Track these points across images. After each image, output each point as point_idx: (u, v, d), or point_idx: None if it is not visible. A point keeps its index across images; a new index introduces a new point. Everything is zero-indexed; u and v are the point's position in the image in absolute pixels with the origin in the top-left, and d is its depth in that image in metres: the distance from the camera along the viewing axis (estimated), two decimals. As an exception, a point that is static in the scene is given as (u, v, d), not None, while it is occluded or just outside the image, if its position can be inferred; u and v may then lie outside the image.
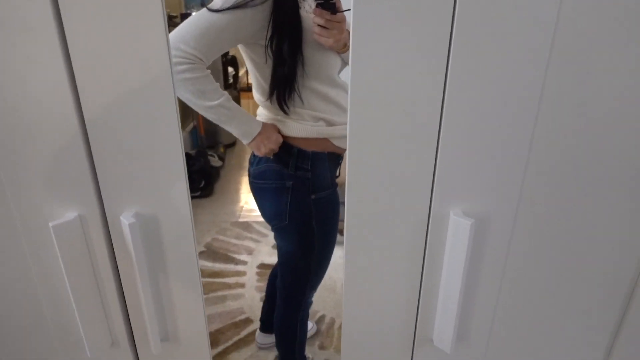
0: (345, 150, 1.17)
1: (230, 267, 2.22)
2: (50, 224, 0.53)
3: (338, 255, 2.37)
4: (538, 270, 0.61)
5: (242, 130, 1.04)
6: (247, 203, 2.86)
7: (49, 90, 0.49)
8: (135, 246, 0.55)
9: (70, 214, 0.55)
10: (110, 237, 0.58)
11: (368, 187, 0.56)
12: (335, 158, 1.15)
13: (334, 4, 0.92)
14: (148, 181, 0.54)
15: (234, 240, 2.45)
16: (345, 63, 1.09)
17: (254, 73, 1.08)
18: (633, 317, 0.62)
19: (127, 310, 0.63)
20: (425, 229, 0.58)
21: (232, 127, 1.03)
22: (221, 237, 2.46)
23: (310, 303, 1.38)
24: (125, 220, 0.54)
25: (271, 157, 1.10)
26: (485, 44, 0.48)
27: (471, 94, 0.50)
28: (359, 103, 0.51)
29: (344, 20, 0.95)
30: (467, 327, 0.64)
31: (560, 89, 0.50)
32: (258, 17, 0.94)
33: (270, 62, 0.99)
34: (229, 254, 2.33)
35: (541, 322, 0.64)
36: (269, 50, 0.97)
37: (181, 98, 0.96)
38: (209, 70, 0.97)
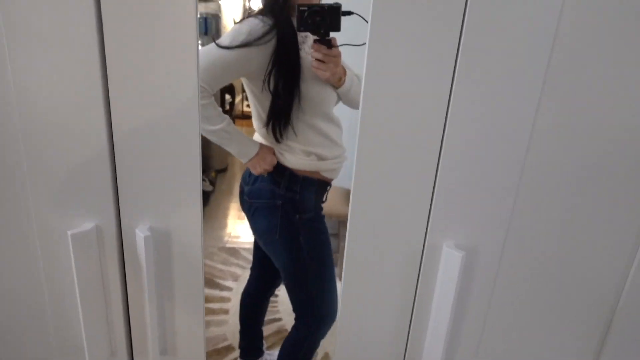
0: (332, 179, 1.24)
1: (215, 292, 2.21)
2: (69, 232, 0.56)
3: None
4: (523, 301, 0.65)
5: (240, 151, 1.14)
6: (235, 229, 2.86)
7: (82, 104, 0.54)
8: (147, 259, 0.58)
9: (88, 224, 0.58)
10: (123, 248, 0.61)
11: (369, 218, 0.60)
12: (323, 185, 1.24)
13: (330, 40, 1.02)
14: (165, 198, 0.58)
15: (220, 266, 2.44)
16: (339, 98, 1.17)
17: (253, 102, 1.17)
18: (612, 349, 0.67)
19: (129, 321, 0.65)
20: (420, 259, 0.62)
21: (231, 148, 1.13)
22: (208, 262, 2.45)
23: (323, 334, 1.39)
24: (140, 233, 0.57)
25: (265, 176, 1.18)
26: (481, 91, 0.54)
27: (468, 135, 0.56)
28: (366, 140, 0.56)
29: (339, 55, 1.05)
30: (454, 353, 0.67)
31: (549, 126, 0.56)
32: (262, 55, 1.04)
33: (268, 94, 1.08)
34: (215, 279, 2.32)
35: (526, 351, 0.68)
36: (267, 85, 1.06)
37: None
38: (212, 98, 1.06)
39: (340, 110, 1.25)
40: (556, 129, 0.56)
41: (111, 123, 0.55)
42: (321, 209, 1.27)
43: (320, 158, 1.17)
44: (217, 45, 1.02)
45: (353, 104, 1.18)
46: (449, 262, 0.60)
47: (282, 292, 1.62)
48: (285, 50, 1.04)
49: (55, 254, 0.60)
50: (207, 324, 1.99)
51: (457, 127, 0.56)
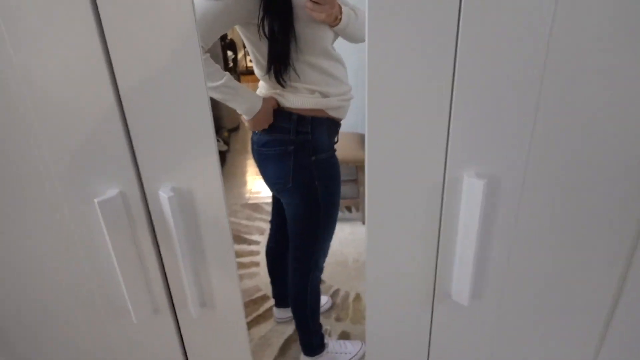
0: (341, 118, 1.23)
1: (244, 247, 2.28)
2: (96, 200, 0.58)
3: (347, 231, 2.42)
4: (547, 228, 0.65)
5: (246, 106, 1.12)
6: (255, 185, 2.91)
7: (86, 73, 0.53)
8: (174, 218, 0.60)
9: (112, 191, 0.60)
10: (149, 210, 0.62)
11: (386, 156, 0.60)
12: (333, 124, 1.22)
13: None
14: (182, 157, 0.59)
15: (244, 222, 2.51)
16: (337, 35, 1.13)
17: (251, 50, 1.15)
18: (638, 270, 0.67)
19: (167, 279, 0.68)
20: (441, 191, 0.62)
21: (236, 104, 1.11)
22: (232, 219, 2.52)
23: (321, 270, 1.44)
24: (163, 194, 0.59)
25: (273, 125, 1.17)
26: (492, 13, 0.51)
27: (481, 60, 0.54)
28: (376, 72, 0.55)
29: None
30: (483, 282, 0.69)
31: (564, 52, 0.54)
32: (253, 2, 1.00)
33: (264, 39, 1.05)
34: (242, 234, 2.39)
35: (551, 277, 0.69)
36: (262, 29, 1.03)
37: None
38: (207, 54, 1.03)
39: (344, 49, 1.21)
40: (572, 45, 0.53)
41: (118, 89, 0.54)
42: (334, 150, 1.26)
43: (325, 95, 1.15)
44: None
45: (352, 38, 1.14)
46: (471, 191, 0.60)
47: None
48: None
49: (86, 223, 0.62)
50: (240, 277, 2.07)
51: (469, 51, 0.53)
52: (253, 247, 2.28)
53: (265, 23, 1.02)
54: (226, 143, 3.34)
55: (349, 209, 2.60)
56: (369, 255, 0.67)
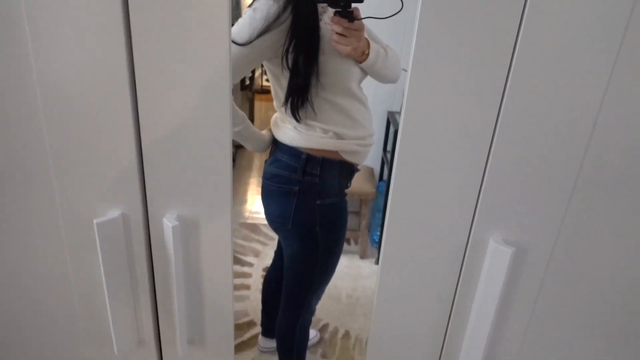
0: (357, 164, 1.17)
1: (237, 268, 2.22)
2: (95, 221, 0.53)
3: (344, 264, 2.36)
4: (571, 302, 0.61)
5: (256, 148, 1.17)
6: (255, 205, 2.86)
7: (109, 91, 0.50)
8: (175, 248, 0.56)
9: (114, 212, 0.55)
10: (150, 237, 0.58)
11: (410, 206, 0.56)
12: (347, 167, 1.16)
13: (352, 12, 0.94)
14: (193, 185, 0.55)
15: (240, 242, 2.45)
16: (365, 73, 1.09)
17: (272, 81, 1.11)
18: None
19: (157, 311, 0.63)
20: (463, 252, 0.58)
21: (247, 146, 1.15)
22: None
23: (313, 312, 1.38)
24: (168, 223, 0.55)
25: (282, 160, 1.13)
26: (539, 83, 0.48)
27: (522, 123, 0.51)
28: (410, 124, 0.51)
29: (361, 28, 0.97)
30: (494, 356, 0.64)
31: (612, 124, 0.50)
32: (279, 35, 0.97)
33: (286, 71, 1.01)
34: (236, 255, 2.33)
35: (569, 353, 0.64)
36: (285, 60, 0.99)
37: None
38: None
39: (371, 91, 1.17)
40: (620, 127, 0.50)
41: (137, 108, 0.51)
42: (345, 194, 1.20)
43: (340, 137, 1.09)
44: (235, 42, 0.96)
45: (381, 77, 1.10)
46: (496, 258, 0.56)
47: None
48: (302, 24, 0.96)
49: (81, 242, 0.58)
50: (229, 300, 2.00)
51: (511, 119, 0.50)
52: (246, 269, 2.22)
53: (290, 54, 0.98)
54: (232, 159, 3.31)
55: (347, 241, 2.55)
56: (377, 304, 0.63)
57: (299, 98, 1.02)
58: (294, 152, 1.09)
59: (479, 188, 0.54)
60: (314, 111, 1.05)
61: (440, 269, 0.59)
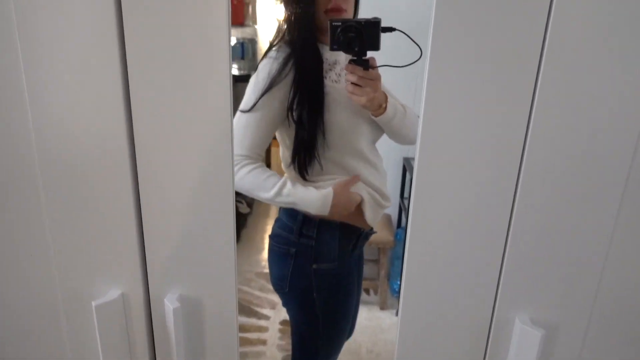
0: (364, 228, 1.08)
1: (253, 321, 2.15)
2: (93, 304, 0.51)
3: (363, 316, 2.28)
4: (611, 388, 0.54)
5: (315, 208, 0.99)
6: (272, 252, 2.82)
7: (109, 168, 0.49)
8: (176, 331, 0.52)
9: (114, 292, 0.53)
10: (151, 317, 0.55)
11: (426, 283, 0.52)
12: (351, 230, 1.08)
13: (367, 60, 0.90)
14: (196, 265, 0.52)
15: (257, 292, 2.39)
16: (379, 132, 1.05)
17: (279, 141, 1.07)
18: None
19: (158, 395, 0.59)
20: (487, 334, 0.53)
21: (304, 208, 1.00)
22: (244, 288, 2.41)
23: None
24: (169, 304, 0.52)
25: (280, 218, 1.07)
26: (559, 142, 0.45)
27: (544, 186, 0.47)
28: (424, 186, 0.49)
29: (378, 78, 0.93)
30: None
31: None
32: (285, 90, 0.95)
33: (292, 129, 0.98)
34: (252, 306, 2.27)
35: None
36: (291, 116, 0.96)
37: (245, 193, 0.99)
38: (258, 164, 0.97)
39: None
40: None
41: (138, 184, 0.50)
42: (350, 258, 1.11)
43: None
44: (242, 111, 0.95)
45: (398, 136, 1.05)
46: (523, 341, 0.51)
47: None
48: (305, 76, 0.94)
49: (80, 324, 0.55)
50: (244, 356, 1.93)
51: (533, 178, 0.47)
52: (262, 322, 2.15)
53: (295, 108, 0.95)
54: (249, 205, 3.31)
55: (366, 291, 2.46)
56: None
57: (304, 155, 0.98)
58: (291, 212, 1.04)
59: (501, 260, 0.50)
60: (320, 168, 1.00)
61: (462, 353, 0.54)
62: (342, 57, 0.98)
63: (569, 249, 0.49)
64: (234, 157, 0.93)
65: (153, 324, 0.55)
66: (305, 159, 0.98)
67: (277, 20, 1.25)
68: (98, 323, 0.52)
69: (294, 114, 0.96)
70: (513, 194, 0.48)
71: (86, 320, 0.54)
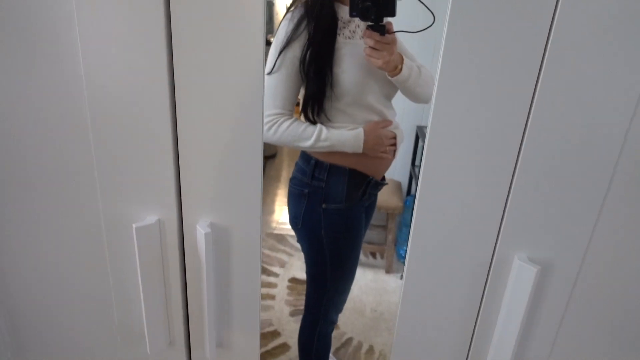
0: (372, 175, 1.18)
1: (262, 277, 2.25)
2: (134, 226, 0.57)
3: (369, 278, 2.36)
4: (598, 321, 0.60)
5: (349, 147, 1.11)
6: (282, 216, 2.90)
7: (149, 102, 0.54)
8: (207, 254, 0.58)
9: (152, 217, 0.59)
10: (184, 242, 0.61)
11: (435, 221, 0.57)
12: (359, 177, 1.18)
13: (384, 26, 0.96)
14: (226, 195, 0.58)
15: (267, 251, 2.48)
16: (394, 89, 1.12)
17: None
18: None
19: (187, 314, 0.66)
20: (487, 269, 0.58)
21: (341, 149, 1.10)
22: (255, 247, 2.50)
23: (333, 322, 1.39)
24: (201, 230, 0.57)
25: (298, 164, 1.18)
26: (567, 96, 0.49)
27: (549, 137, 0.51)
28: (436, 137, 0.53)
29: (393, 42, 0.99)
30: (518, 373, 0.63)
31: (642, 147, 0.50)
32: (300, 44, 1.02)
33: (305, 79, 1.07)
34: (262, 264, 2.36)
35: (596, 378, 0.63)
36: (303, 69, 1.04)
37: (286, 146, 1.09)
38: (293, 118, 1.07)
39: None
40: None
41: (176, 121, 0.55)
42: (359, 204, 1.21)
43: None
44: (267, 74, 1.04)
45: (413, 95, 1.11)
46: (520, 276, 0.56)
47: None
48: (318, 33, 1.02)
49: (121, 245, 0.61)
50: (254, 309, 2.03)
51: (539, 132, 0.51)
52: (271, 279, 2.25)
53: (306, 62, 1.03)
54: (273, 148, 3.37)
55: (373, 254, 2.54)
56: (400, 319, 0.63)
57: (313, 105, 1.08)
58: (306, 156, 1.16)
59: (504, 204, 0.55)
60: (328, 119, 1.09)
61: (464, 286, 0.60)
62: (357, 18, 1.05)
63: (568, 194, 0.53)
64: (271, 116, 1.04)
65: (185, 248, 0.61)
66: (313, 108, 1.08)
67: None
68: (138, 244, 0.58)
69: (305, 68, 1.04)
70: (519, 144, 0.52)
71: (126, 242, 0.61)
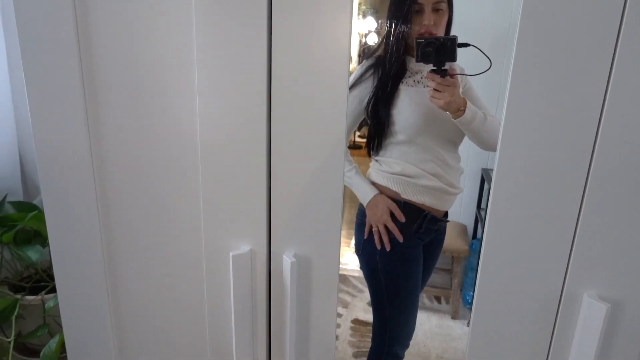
0: (429, 211, 1.25)
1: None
2: (231, 254, 0.66)
3: (434, 323, 2.31)
4: (678, 370, 0.59)
5: (359, 195, 1.29)
6: (345, 256, 2.93)
7: (248, 144, 0.64)
8: (291, 282, 0.66)
9: (245, 247, 0.68)
10: (271, 270, 0.69)
11: (503, 262, 0.60)
12: (416, 211, 1.27)
13: (445, 70, 1.07)
14: (311, 227, 0.66)
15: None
16: (462, 134, 1.21)
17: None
18: None
19: (270, 336, 0.73)
20: (556, 308, 0.60)
21: (353, 190, 1.29)
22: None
23: (399, 357, 1.42)
24: (287, 259, 0.66)
25: None
26: (628, 135, 0.52)
27: (615, 173, 0.54)
28: (502, 180, 0.58)
29: (454, 84, 1.09)
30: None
31: None
32: (364, 90, 1.21)
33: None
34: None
35: None
36: (367, 111, 1.22)
37: None
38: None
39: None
40: None
41: (270, 161, 0.64)
42: (415, 238, 1.29)
43: (408, 176, 1.23)
44: None
45: (479, 141, 1.19)
46: (590, 315, 0.57)
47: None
48: (382, 82, 1.18)
49: (217, 271, 0.71)
50: (318, 347, 2.05)
51: (603, 169, 0.54)
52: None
53: (370, 105, 1.20)
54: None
55: (438, 299, 2.49)
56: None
57: (373, 140, 1.25)
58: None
59: (571, 242, 0.58)
60: (385, 154, 1.25)
61: (533, 328, 0.62)
62: (425, 68, 1.19)
63: (638, 229, 0.55)
64: None
65: (272, 276, 0.70)
66: (374, 143, 1.26)
67: (359, 34, 1.50)
68: (233, 270, 0.67)
69: (369, 108, 1.21)
70: (584, 181, 0.56)
71: (222, 268, 0.70)
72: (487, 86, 1.28)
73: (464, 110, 1.13)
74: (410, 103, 1.17)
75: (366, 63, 1.22)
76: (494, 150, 1.24)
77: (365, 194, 1.27)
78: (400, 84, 1.19)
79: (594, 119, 0.53)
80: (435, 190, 1.24)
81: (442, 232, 1.40)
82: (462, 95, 1.12)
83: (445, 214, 1.34)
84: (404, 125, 1.18)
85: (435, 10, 1.12)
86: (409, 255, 1.30)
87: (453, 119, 1.15)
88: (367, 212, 1.27)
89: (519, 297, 0.61)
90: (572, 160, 0.55)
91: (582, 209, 0.56)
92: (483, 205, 2.34)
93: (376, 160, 1.28)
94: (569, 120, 0.54)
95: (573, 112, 0.54)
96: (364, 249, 1.32)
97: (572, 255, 0.58)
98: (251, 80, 0.61)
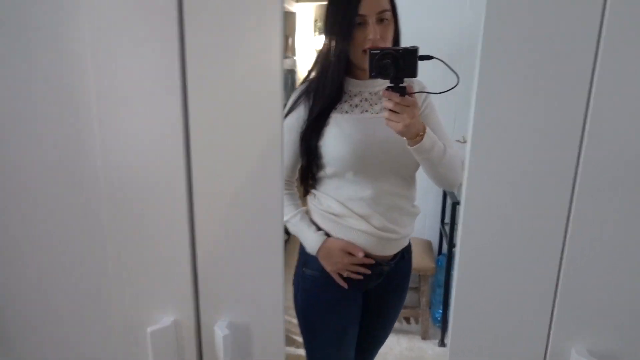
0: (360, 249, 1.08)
1: (291, 350, 2.14)
2: (149, 330, 0.53)
3: (404, 346, 2.21)
4: None
5: (307, 246, 1.10)
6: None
7: (166, 198, 0.52)
8: (225, 357, 0.54)
9: (167, 319, 0.55)
10: (201, 343, 0.57)
11: (476, 316, 0.51)
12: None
13: (404, 87, 0.89)
14: (246, 292, 0.54)
15: (295, 320, 2.39)
16: (411, 166, 1.05)
17: None
18: None
19: (207, 422, 0.60)
20: (542, 365, 0.51)
21: (302, 241, 1.12)
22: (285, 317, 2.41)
23: None
24: (219, 332, 0.53)
25: None
26: (608, 177, 0.45)
27: (598, 207, 0.46)
28: (472, 215, 0.49)
29: (414, 105, 0.91)
30: None
31: None
32: (297, 116, 1.05)
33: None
34: (290, 335, 2.26)
35: None
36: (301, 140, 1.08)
37: None
38: (289, 191, 1.11)
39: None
40: None
41: (193, 216, 0.52)
42: (330, 275, 1.12)
43: (334, 214, 1.07)
44: None
45: (435, 175, 1.02)
46: (580, 374, 0.49)
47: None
48: (312, 109, 1.05)
49: (134, 348, 0.57)
50: (284, 385, 1.91)
51: (585, 203, 0.46)
52: (300, 351, 2.13)
53: (300, 133, 1.06)
54: (287, 232, 3.34)
55: (407, 320, 2.40)
56: None
57: (306, 174, 1.10)
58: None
59: (554, 291, 0.49)
60: (318, 188, 1.10)
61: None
62: (366, 91, 1.04)
63: (627, 276, 0.47)
64: None
65: (203, 349, 0.57)
66: (307, 176, 1.11)
67: (316, 51, 1.35)
68: (152, 348, 0.54)
69: (299, 138, 1.06)
70: (565, 221, 0.47)
71: (140, 346, 0.57)
72: (441, 107, 1.14)
73: (423, 136, 0.95)
74: (339, 134, 1.01)
75: (300, 88, 1.07)
76: (451, 189, 1.13)
77: (312, 243, 1.08)
78: (333, 111, 1.03)
79: (572, 147, 0.45)
80: (365, 233, 1.06)
81: (394, 275, 1.19)
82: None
83: (395, 256, 1.13)
84: (329, 158, 1.03)
85: (380, 20, 0.95)
86: (325, 286, 1.12)
87: (409, 146, 0.96)
88: (322, 263, 1.08)
89: (498, 353, 0.52)
90: (548, 192, 0.47)
91: (565, 251, 0.48)
92: (447, 220, 2.29)
93: (312, 193, 1.13)
94: (543, 150, 0.45)
95: (547, 138, 0.45)
96: (293, 281, 1.18)
97: (555, 306, 0.49)
98: (166, 124, 0.50)
